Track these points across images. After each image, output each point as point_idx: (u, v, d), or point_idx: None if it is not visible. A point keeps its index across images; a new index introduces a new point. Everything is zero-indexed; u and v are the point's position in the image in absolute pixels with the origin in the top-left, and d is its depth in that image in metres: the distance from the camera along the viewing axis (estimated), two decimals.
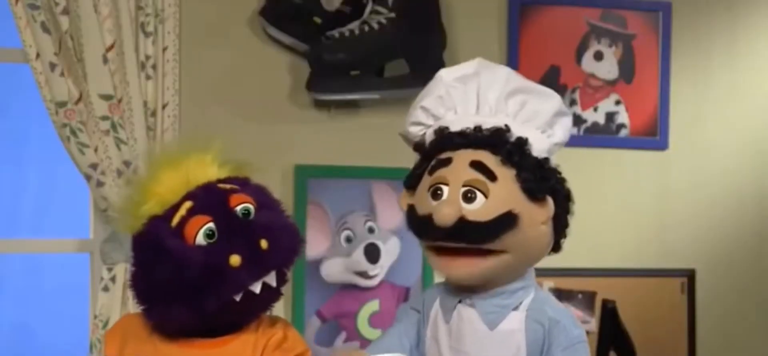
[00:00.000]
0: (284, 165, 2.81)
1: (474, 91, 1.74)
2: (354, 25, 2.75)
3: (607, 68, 3.06)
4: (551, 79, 3.01)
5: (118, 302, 2.60)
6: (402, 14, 2.76)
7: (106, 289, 2.61)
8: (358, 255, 2.84)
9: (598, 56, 3.05)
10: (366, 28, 2.75)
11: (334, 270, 2.84)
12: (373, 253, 2.84)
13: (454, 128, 1.71)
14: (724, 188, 3.17)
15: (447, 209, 1.62)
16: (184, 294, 1.65)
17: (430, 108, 1.76)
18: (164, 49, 2.67)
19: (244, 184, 1.78)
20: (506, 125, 1.68)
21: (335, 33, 2.74)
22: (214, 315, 1.67)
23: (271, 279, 1.70)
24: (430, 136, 1.75)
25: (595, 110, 3.04)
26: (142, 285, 1.72)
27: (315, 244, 2.82)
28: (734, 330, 3.16)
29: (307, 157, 2.84)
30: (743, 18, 3.18)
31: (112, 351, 1.76)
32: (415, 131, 1.79)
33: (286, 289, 2.78)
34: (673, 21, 3.10)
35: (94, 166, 2.58)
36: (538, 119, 1.71)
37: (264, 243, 1.67)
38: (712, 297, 3.14)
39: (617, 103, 3.06)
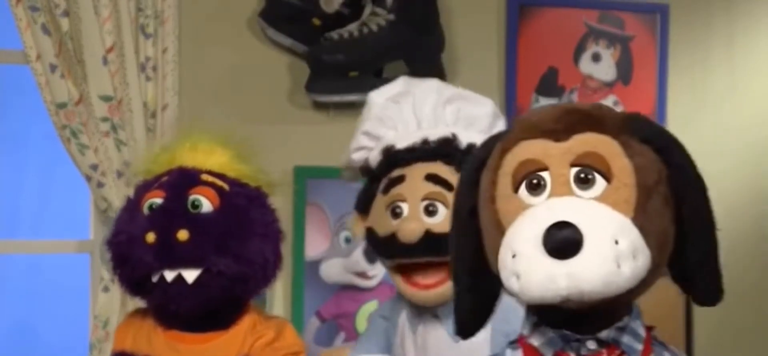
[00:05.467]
0: (284, 166, 2.81)
1: (409, 107, 1.74)
2: (353, 27, 2.76)
3: (605, 70, 3.07)
4: (549, 81, 3.02)
5: (118, 302, 2.61)
6: (401, 16, 2.77)
7: (106, 289, 2.62)
8: (357, 256, 2.85)
9: (596, 58, 3.06)
10: (365, 29, 2.76)
11: (333, 270, 2.85)
12: (372, 254, 2.85)
13: (400, 145, 1.70)
14: (721, 190, 3.14)
15: (412, 225, 1.61)
16: (113, 259, 1.74)
17: (371, 131, 1.76)
18: (164, 51, 2.68)
19: (235, 190, 1.77)
20: (453, 134, 1.68)
21: (334, 34, 2.75)
22: (143, 293, 1.73)
23: (188, 274, 1.68)
24: (375, 157, 1.75)
25: None
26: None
27: (314, 245, 2.83)
28: (731, 332, 3.17)
29: (306, 158, 2.84)
30: (741, 20, 3.19)
31: (118, 345, 1.80)
32: (359, 156, 1.79)
33: (285, 289, 2.82)
34: (671, 23, 3.11)
35: (94, 167, 2.59)
36: (479, 122, 1.71)
37: (182, 234, 1.67)
38: None
39: (615, 104, 3.07)
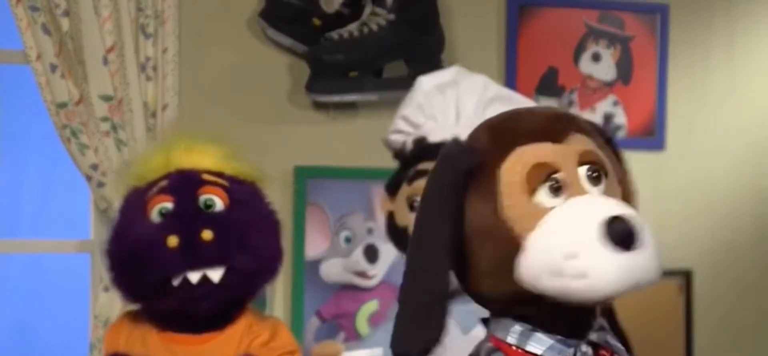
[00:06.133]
0: (284, 166, 2.82)
1: (453, 100, 1.74)
2: (353, 27, 2.77)
3: (605, 70, 3.07)
4: (549, 81, 3.02)
5: (119, 302, 2.61)
6: (401, 16, 2.77)
7: (106, 289, 2.62)
8: (357, 255, 2.85)
9: (596, 58, 3.07)
10: (365, 29, 2.76)
11: (333, 270, 2.85)
12: (372, 253, 2.86)
13: (433, 138, 1.70)
14: (721, 189, 3.18)
15: None
16: (124, 267, 1.70)
17: (410, 117, 1.76)
18: (164, 51, 2.68)
19: (237, 187, 1.77)
20: None
21: (334, 34, 2.75)
22: (160, 298, 1.69)
23: (214, 274, 1.68)
24: (409, 145, 1.75)
25: (593, 110, 3.05)
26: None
27: (314, 244, 2.83)
28: (731, 331, 3.17)
29: (306, 158, 2.85)
30: (741, 20, 3.19)
31: (110, 347, 1.79)
32: (396, 139, 1.79)
33: (285, 289, 2.82)
34: (671, 23, 3.11)
35: (94, 167, 2.60)
36: None
37: (207, 234, 1.67)
38: (710, 297, 3.14)
39: (615, 104, 3.07)
